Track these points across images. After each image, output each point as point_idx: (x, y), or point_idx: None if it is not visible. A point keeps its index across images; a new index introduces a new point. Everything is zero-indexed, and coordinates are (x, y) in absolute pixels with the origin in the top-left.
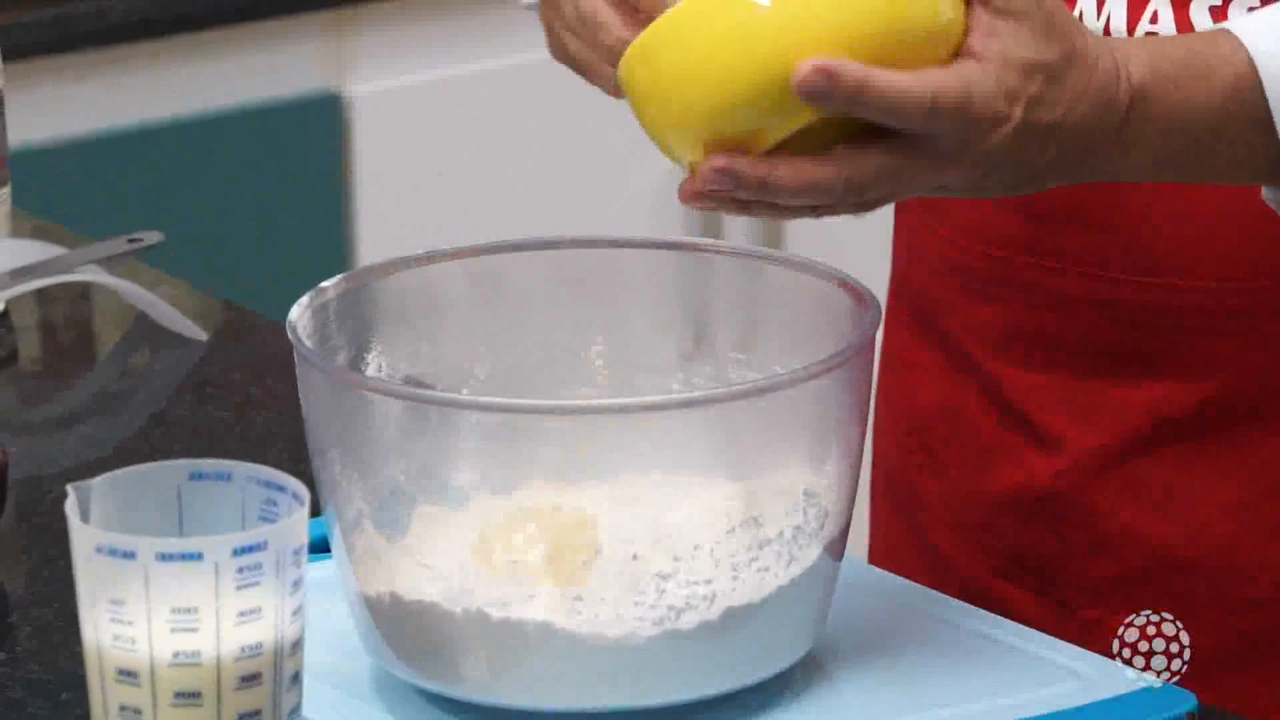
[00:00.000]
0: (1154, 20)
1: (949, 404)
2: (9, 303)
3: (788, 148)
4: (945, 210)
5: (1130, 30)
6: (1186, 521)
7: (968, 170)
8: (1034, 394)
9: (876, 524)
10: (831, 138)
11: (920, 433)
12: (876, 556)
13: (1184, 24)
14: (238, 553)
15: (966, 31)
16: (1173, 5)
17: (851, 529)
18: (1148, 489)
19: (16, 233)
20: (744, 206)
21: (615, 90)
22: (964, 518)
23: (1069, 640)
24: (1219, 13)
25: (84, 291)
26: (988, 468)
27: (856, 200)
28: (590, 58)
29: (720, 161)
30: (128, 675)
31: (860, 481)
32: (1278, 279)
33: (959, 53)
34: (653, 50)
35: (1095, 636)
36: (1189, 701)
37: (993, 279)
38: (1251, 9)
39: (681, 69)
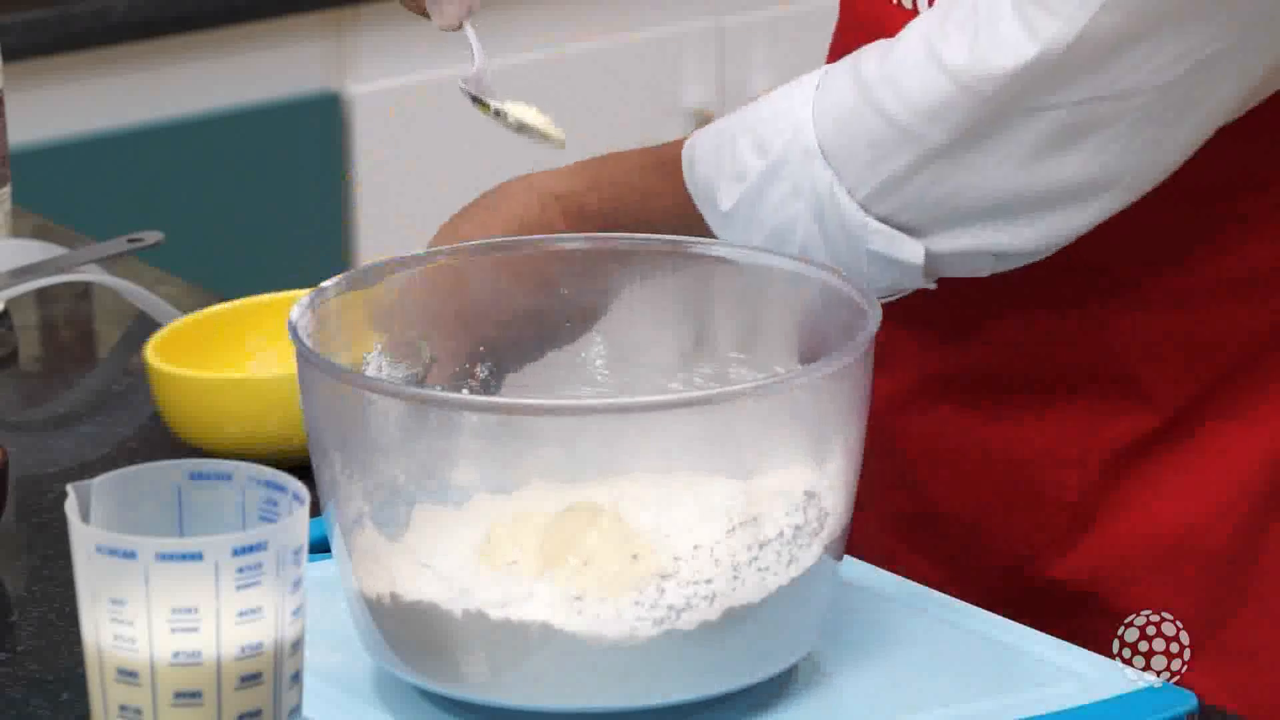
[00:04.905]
0: None
1: None
2: (9, 303)
3: None
4: None
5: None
6: (951, 476)
7: None
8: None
9: None
10: None
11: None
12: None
13: None
14: (238, 553)
15: None
16: None
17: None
18: (922, 436)
19: (17, 232)
20: None
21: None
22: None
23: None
24: None
25: (84, 291)
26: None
27: None
28: None
29: None
30: (128, 675)
31: None
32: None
33: None
34: None
35: (1096, 637)
36: (1189, 701)
37: None
38: None
39: None
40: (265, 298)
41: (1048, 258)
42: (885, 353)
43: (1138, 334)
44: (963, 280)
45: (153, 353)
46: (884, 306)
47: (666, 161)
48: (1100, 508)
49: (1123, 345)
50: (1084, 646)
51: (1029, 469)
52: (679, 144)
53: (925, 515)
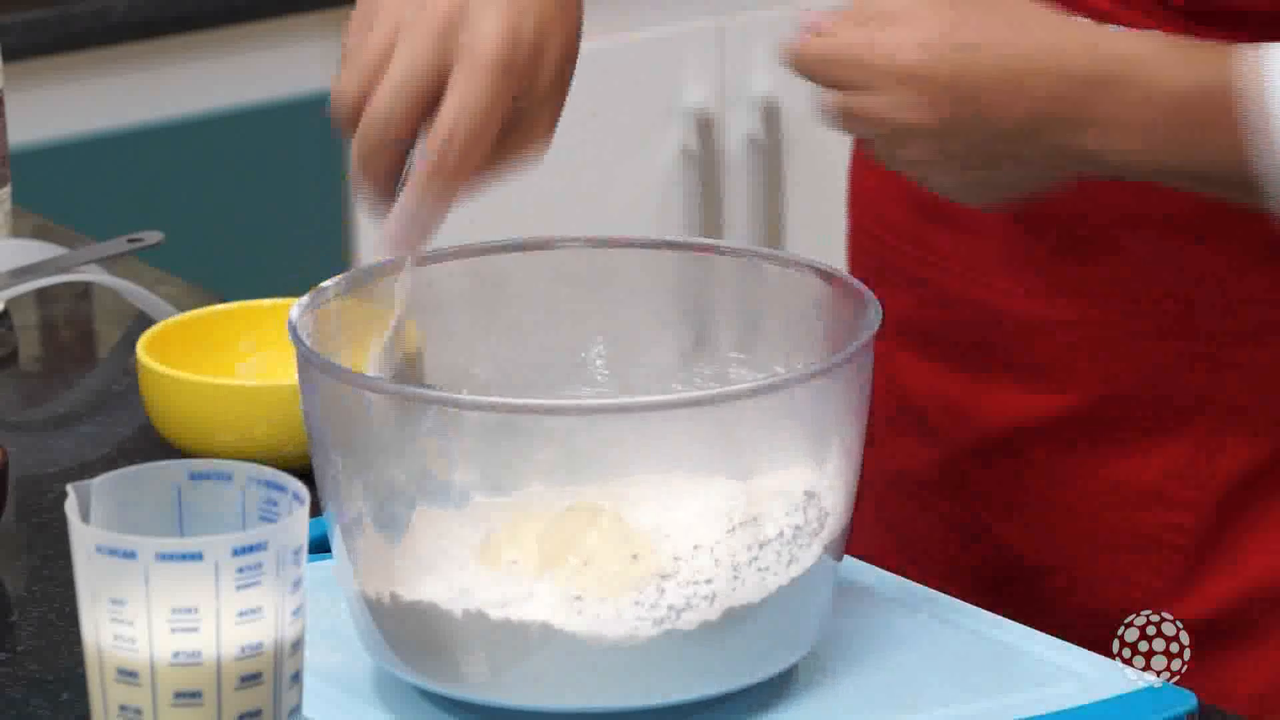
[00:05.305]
0: None
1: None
2: (9, 303)
3: None
4: (859, 191)
5: None
6: (1040, 525)
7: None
8: (922, 383)
9: None
10: None
11: None
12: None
13: None
14: (238, 553)
15: None
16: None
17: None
18: (1006, 487)
19: (17, 232)
20: None
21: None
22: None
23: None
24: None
25: (84, 291)
26: (877, 447)
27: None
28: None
29: None
30: (128, 675)
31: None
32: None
33: None
34: None
35: (1096, 636)
36: (1189, 701)
37: (889, 266)
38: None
39: None
40: (258, 302)
41: (1152, 287)
42: (964, 404)
43: (1248, 362)
44: (1066, 314)
45: (144, 351)
46: (970, 357)
47: (1213, 98)
48: (1216, 548)
49: (1233, 374)
50: (1083, 646)
51: (1138, 511)
52: (1216, 84)
53: (1009, 568)
